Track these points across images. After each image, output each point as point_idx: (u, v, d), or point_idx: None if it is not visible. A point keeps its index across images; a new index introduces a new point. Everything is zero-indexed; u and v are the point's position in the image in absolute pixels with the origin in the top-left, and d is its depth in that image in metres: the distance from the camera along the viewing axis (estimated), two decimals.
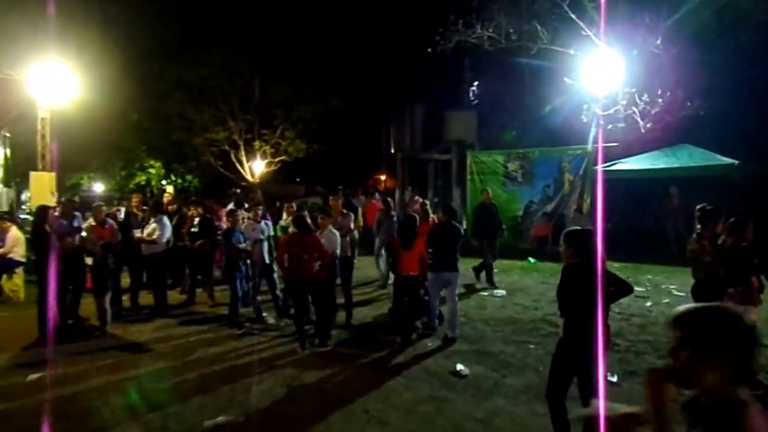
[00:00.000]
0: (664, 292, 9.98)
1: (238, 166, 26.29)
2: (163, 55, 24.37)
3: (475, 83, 22.31)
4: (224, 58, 24.39)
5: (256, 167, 26.16)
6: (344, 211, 10.07)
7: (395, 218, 11.14)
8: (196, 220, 10.23)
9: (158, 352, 7.31)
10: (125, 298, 9.55)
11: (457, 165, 18.60)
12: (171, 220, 10.63)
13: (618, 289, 4.38)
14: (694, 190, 13.35)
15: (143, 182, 29.38)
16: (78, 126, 19.88)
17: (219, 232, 9.68)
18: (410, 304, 7.44)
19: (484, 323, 8.20)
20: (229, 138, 25.76)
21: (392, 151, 19.74)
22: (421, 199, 16.91)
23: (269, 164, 26.46)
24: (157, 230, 9.09)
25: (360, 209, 17.26)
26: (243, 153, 26.11)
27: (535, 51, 16.00)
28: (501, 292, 10.10)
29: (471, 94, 22.09)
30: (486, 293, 10.14)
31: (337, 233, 7.80)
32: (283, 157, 26.32)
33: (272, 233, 9.01)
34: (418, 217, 7.91)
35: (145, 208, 10.34)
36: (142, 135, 26.64)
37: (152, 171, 29.49)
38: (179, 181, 30.63)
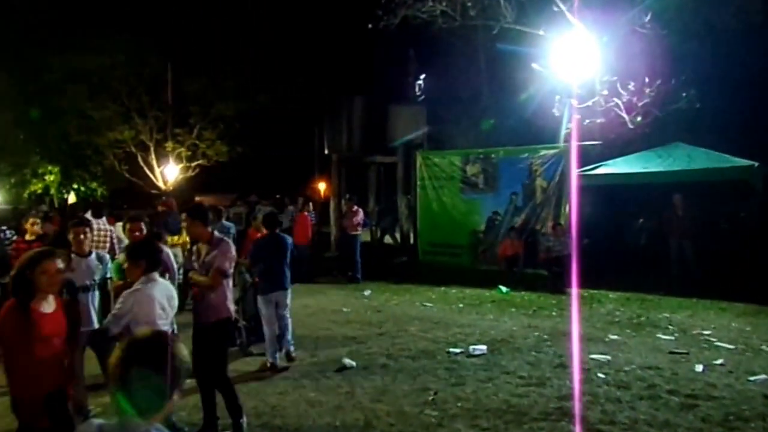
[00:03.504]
0: (701, 341, 7.12)
1: (148, 171, 22.75)
2: (51, 40, 20.52)
3: (422, 76, 19.48)
4: (128, 44, 20.92)
5: (169, 172, 22.68)
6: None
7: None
8: None
9: None
10: None
11: (404, 168, 15.74)
12: None
13: None
14: (696, 198, 10.97)
15: (40, 191, 25.48)
16: None
17: None
18: None
19: (469, 421, 4.98)
20: (136, 138, 22.25)
21: (326, 152, 16.61)
22: (360, 210, 14.10)
23: (185, 169, 23.18)
24: None
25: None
26: (153, 156, 22.63)
27: (496, 31, 13.36)
28: (480, 348, 6.96)
29: (417, 89, 19.25)
30: (458, 350, 6.99)
31: (168, 285, 4.53)
32: (201, 161, 23.10)
33: (108, 275, 5.60)
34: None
35: None
36: (33, 135, 22.62)
37: (50, 178, 25.51)
38: (82, 189, 26.86)
